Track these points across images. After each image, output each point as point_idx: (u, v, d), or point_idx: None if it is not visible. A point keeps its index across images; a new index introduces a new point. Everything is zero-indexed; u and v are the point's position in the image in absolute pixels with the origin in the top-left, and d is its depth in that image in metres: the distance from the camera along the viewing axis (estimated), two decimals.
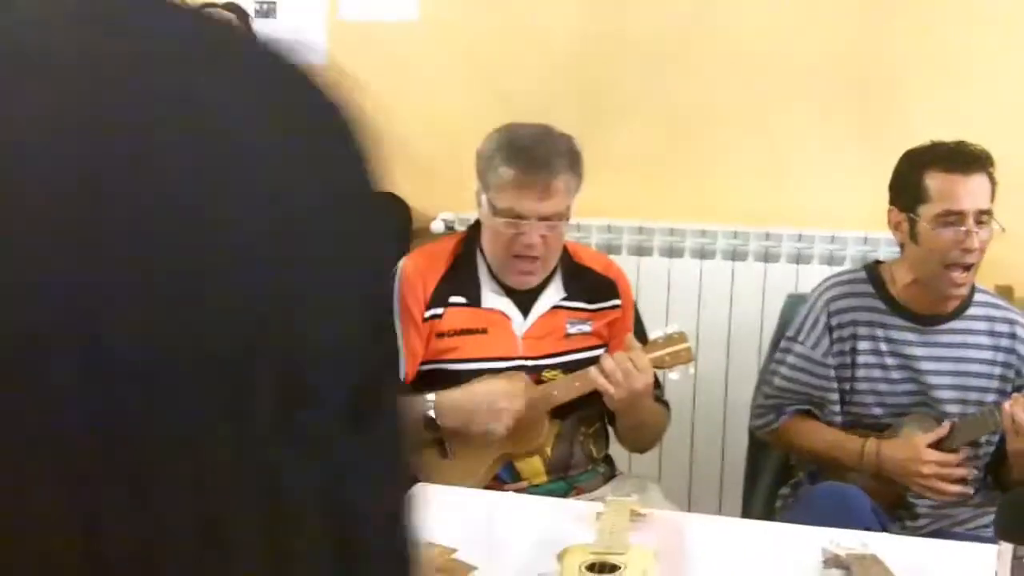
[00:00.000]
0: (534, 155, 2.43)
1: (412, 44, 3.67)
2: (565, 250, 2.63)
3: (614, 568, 1.82)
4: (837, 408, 2.60)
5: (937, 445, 2.49)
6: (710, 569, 1.98)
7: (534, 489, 2.53)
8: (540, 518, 2.18)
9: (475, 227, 2.61)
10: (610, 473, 2.70)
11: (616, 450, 2.76)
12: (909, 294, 2.57)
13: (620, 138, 3.52)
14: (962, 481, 2.50)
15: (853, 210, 3.28)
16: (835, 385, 2.60)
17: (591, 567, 1.82)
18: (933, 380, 2.56)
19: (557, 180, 2.44)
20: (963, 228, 2.44)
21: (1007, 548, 1.91)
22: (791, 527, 2.22)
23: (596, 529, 1.99)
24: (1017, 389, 2.54)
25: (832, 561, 1.96)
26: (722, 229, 3.42)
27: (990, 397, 2.54)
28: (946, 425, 2.50)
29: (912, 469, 2.48)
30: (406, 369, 2.54)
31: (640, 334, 2.56)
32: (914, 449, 2.49)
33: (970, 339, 2.57)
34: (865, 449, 2.52)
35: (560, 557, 1.87)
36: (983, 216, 2.45)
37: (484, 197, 2.50)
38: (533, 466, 2.55)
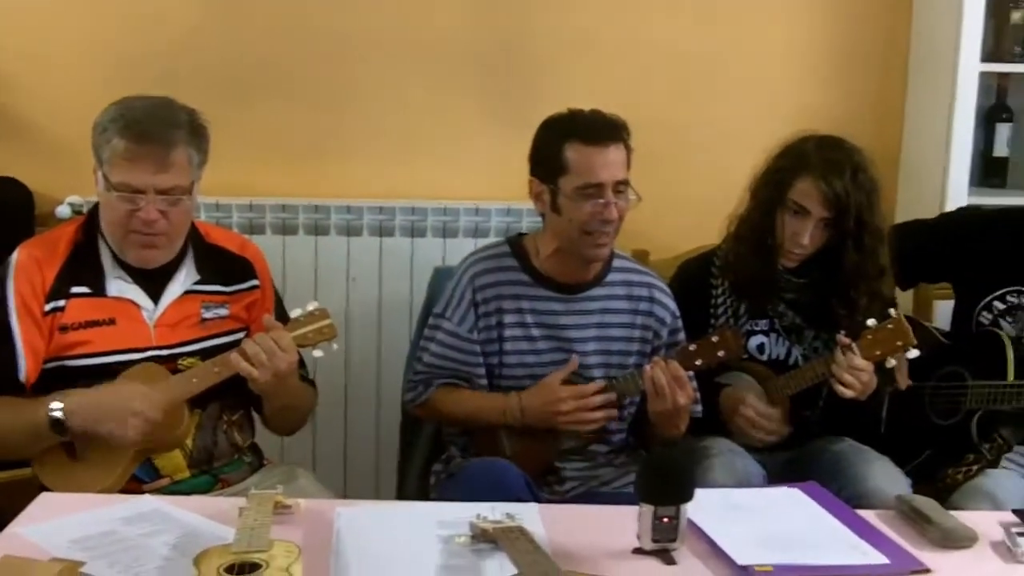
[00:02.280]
0: (148, 126, 2.30)
1: (33, 21, 3.38)
2: (196, 230, 2.50)
3: (255, 567, 1.72)
4: (484, 382, 2.61)
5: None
6: (360, 557, 1.91)
7: (176, 486, 2.40)
8: (180, 518, 2.04)
9: (96, 210, 2.43)
10: (257, 463, 2.59)
11: (267, 438, 2.65)
12: (552, 264, 2.60)
13: (260, 115, 3.42)
14: (604, 408, 2.55)
15: (497, 182, 3.31)
16: (481, 360, 2.60)
17: (230, 569, 1.71)
18: (579, 347, 2.60)
19: (174, 152, 2.32)
20: (602, 200, 2.48)
21: (648, 509, 1.94)
22: (442, 505, 2.19)
23: (237, 527, 1.88)
24: (656, 350, 2.62)
25: (480, 536, 1.94)
26: (368, 205, 3.38)
27: (632, 359, 2.62)
28: (575, 359, 2.55)
29: (551, 409, 2.52)
30: (27, 368, 2.33)
31: (281, 314, 2.46)
32: (549, 389, 2.53)
33: (611, 304, 2.63)
34: (507, 404, 2.55)
35: (196, 562, 1.74)
36: (620, 186, 2.50)
37: (100, 173, 2.34)
38: (174, 461, 2.41)
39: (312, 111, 3.44)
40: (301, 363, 2.45)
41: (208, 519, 2.03)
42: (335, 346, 2.40)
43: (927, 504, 2.17)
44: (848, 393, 2.54)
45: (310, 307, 2.40)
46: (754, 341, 2.75)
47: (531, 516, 2.05)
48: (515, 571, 1.76)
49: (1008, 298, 2.83)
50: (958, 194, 3.27)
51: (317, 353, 2.40)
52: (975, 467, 2.72)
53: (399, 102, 3.44)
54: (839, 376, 2.53)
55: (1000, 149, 3.44)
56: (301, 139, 3.45)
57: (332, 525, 2.03)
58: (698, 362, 2.49)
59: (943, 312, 3.14)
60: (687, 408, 2.49)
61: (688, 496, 1.95)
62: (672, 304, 2.68)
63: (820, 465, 2.62)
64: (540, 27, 3.42)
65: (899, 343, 2.51)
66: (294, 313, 2.39)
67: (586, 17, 3.43)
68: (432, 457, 2.76)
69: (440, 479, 2.63)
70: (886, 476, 2.54)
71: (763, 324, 2.76)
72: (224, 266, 2.51)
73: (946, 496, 2.62)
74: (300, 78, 3.43)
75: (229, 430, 2.51)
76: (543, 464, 2.57)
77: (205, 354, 2.42)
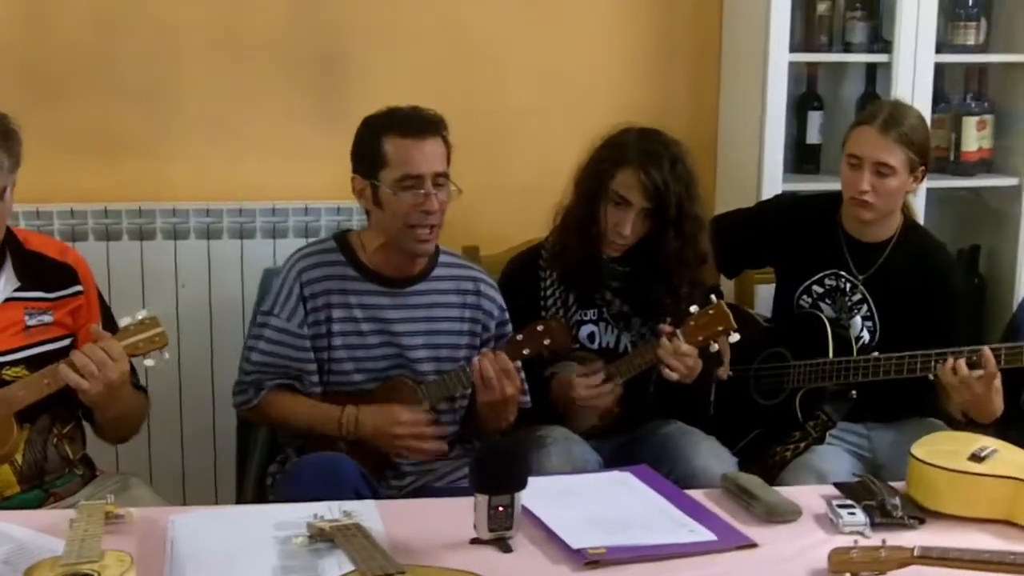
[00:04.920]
0: None
1: None
2: (14, 237, 2.43)
3: None
4: (316, 379, 2.60)
5: (417, 402, 2.57)
6: (195, 563, 1.89)
7: (6, 502, 2.32)
8: (9, 533, 1.98)
9: None
10: (90, 475, 2.53)
11: (100, 448, 2.59)
12: (379, 259, 2.62)
13: (77, 114, 3.32)
14: (440, 438, 2.59)
15: (324, 181, 3.29)
16: (312, 355, 2.59)
17: None
18: (407, 341, 2.62)
19: None
20: (422, 191, 2.51)
21: (483, 499, 1.98)
22: (279, 507, 2.18)
23: (67, 539, 1.84)
24: (485, 343, 2.66)
25: (318, 536, 1.94)
26: (194, 207, 3.32)
27: (462, 353, 2.64)
28: (410, 385, 2.58)
29: (387, 432, 2.54)
30: None
31: (109, 322, 2.41)
32: (389, 413, 2.54)
33: (439, 299, 2.65)
34: (344, 417, 2.54)
35: None
36: (440, 179, 2.53)
37: None
38: (3, 477, 2.34)
39: (133, 110, 3.34)
40: (132, 370, 2.41)
41: (39, 532, 1.99)
42: (166, 355, 2.36)
43: (752, 481, 2.26)
44: (674, 377, 2.61)
45: (140, 315, 2.35)
46: (584, 330, 2.81)
47: (369, 513, 2.07)
48: (353, 568, 1.77)
49: (826, 281, 2.95)
50: (773, 181, 3.38)
51: (148, 362, 2.35)
52: (801, 444, 2.83)
53: (223, 101, 3.39)
54: (665, 361, 2.61)
55: (812, 136, 3.57)
56: (122, 139, 3.35)
57: (166, 533, 2.00)
58: (526, 351, 2.54)
59: (765, 297, 3.25)
60: (515, 399, 2.54)
61: (522, 484, 1.99)
62: (499, 298, 2.71)
63: (651, 448, 2.70)
64: (361, 23, 3.41)
65: (720, 328, 2.60)
66: (123, 322, 2.34)
67: (409, 13, 3.43)
68: (269, 459, 2.74)
69: (276, 480, 2.61)
70: (712, 455, 2.63)
71: (592, 314, 2.82)
72: (45, 272, 2.44)
73: (775, 473, 2.72)
74: (119, 74, 3.32)
75: (60, 443, 2.44)
76: (381, 457, 2.57)
77: (30, 362, 2.35)
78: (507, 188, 3.38)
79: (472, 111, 3.16)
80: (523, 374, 2.60)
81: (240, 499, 2.79)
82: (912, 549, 1.89)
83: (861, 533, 2.04)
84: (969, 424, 2.67)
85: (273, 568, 1.88)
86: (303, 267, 2.61)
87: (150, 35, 3.33)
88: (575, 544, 1.97)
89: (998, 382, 2.56)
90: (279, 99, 3.42)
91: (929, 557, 1.88)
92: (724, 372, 2.80)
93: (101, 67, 3.32)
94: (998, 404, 2.59)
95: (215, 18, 3.36)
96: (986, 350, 2.54)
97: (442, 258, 2.69)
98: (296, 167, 3.40)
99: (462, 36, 3.48)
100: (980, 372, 2.54)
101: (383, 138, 2.52)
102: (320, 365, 2.60)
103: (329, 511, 2.00)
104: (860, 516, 2.10)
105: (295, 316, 2.58)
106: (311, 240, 2.75)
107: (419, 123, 2.53)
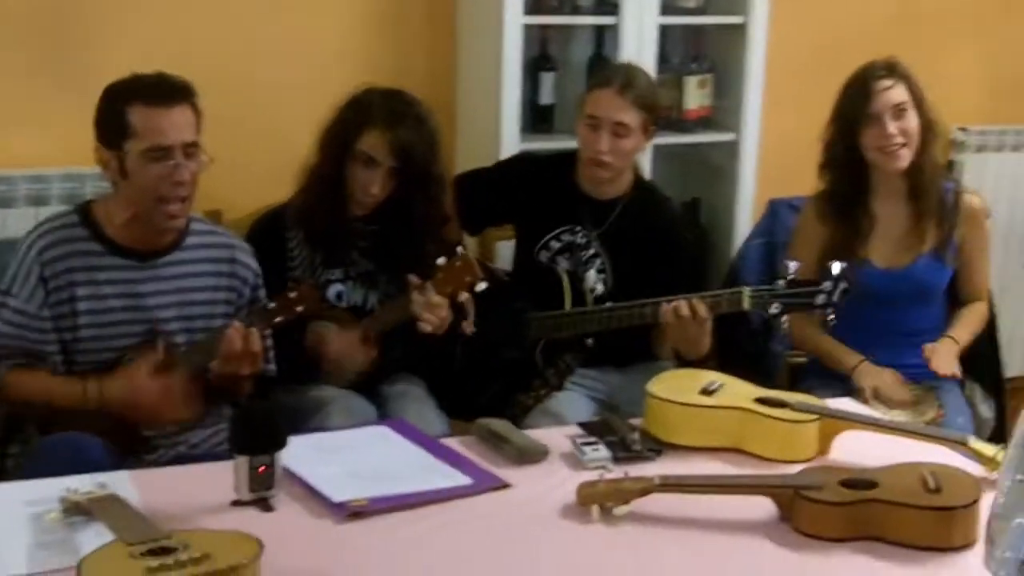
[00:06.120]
0: None
1: None
2: None
3: None
4: (59, 359, 2.50)
5: (169, 373, 2.50)
6: None
7: None
8: None
9: None
10: None
11: None
12: (127, 232, 2.53)
13: None
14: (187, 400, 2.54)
15: (56, 145, 3.16)
16: (54, 337, 2.49)
17: None
18: (161, 314, 2.55)
19: None
20: (172, 162, 2.43)
21: (243, 460, 1.98)
22: (29, 483, 2.11)
23: None
24: (239, 309, 2.63)
25: (73, 509, 1.90)
26: None
27: (216, 322, 2.59)
28: (160, 348, 2.50)
29: (133, 400, 2.46)
30: None
31: None
32: (132, 380, 2.47)
33: (192, 268, 2.60)
34: (87, 391, 2.46)
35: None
36: (190, 148, 2.46)
37: None
38: None
39: None
40: None
41: None
42: None
43: (503, 426, 2.35)
44: (428, 329, 2.67)
45: None
46: (332, 290, 2.84)
47: (123, 484, 2.03)
48: (113, 538, 1.75)
49: (563, 237, 3.07)
50: (511, 142, 3.46)
51: None
52: (542, 392, 2.96)
53: None
54: (418, 314, 2.66)
55: (546, 97, 3.66)
56: None
57: None
58: (278, 320, 2.50)
59: (505, 254, 3.35)
60: (249, 379, 2.51)
61: (281, 444, 2.01)
62: (254, 263, 2.68)
63: (380, 406, 2.80)
64: None
65: (467, 279, 2.67)
66: None
67: None
68: (7, 439, 2.63)
69: (19, 462, 2.51)
70: (419, 417, 2.69)
71: (338, 273, 2.85)
72: None
73: (519, 421, 2.83)
74: None
75: None
76: (130, 434, 2.51)
77: None
78: (248, 151, 3.34)
79: (214, 79, 3.07)
80: (270, 341, 2.60)
81: None
82: (653, 478, 2.02)
83: (605, 467, 2.15)
84: (680, 362, 2.87)
85: (27, 546, 1.83)
86: (43, 245, 2.49)
87: None
88: (337, 498, 2.01)
89: (709, 324, 2.75)
90: (5, 63, 3.24)
91: (669, 484, 2.03)
92: (468, 327, 2.88)
93: None
94: (706, 343, 2.78)
95: None
96: (695, 299, 2.72)
97: (194, 226, 2.62)
98: (24, 132, 3.24)
99: (202, 3, 3.39)
100: (697, 314, 2.71)
101: (128, 107, 2.42)
102: (65, 345, 2.50)
103: (81, 484, 1.96)
104: (603, 451, 2.23)
105: (34, 298, 2.47)
106: (49, 211, 2.61)
107: (166, 90, 2.45)
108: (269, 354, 2.60)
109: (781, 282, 2.65)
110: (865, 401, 2.83)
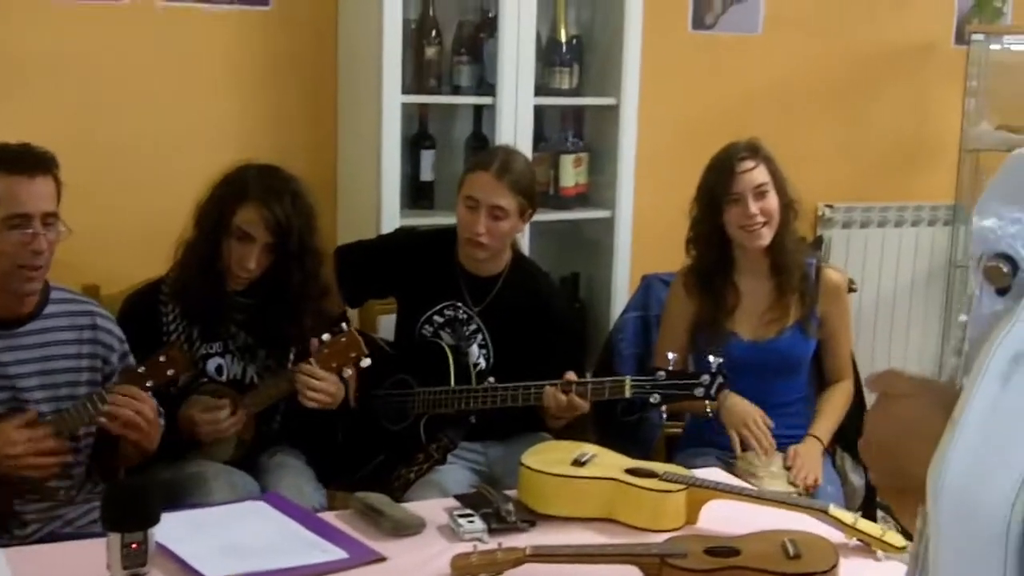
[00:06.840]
0: None
1: None
2: None
3: None
4: None
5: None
6: None
7: None
8: None
9: None
10: None
11: None
12: None
13: None
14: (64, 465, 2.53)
15: None
16: None
17: None
18: (23, 383, 2.53)
19: None
20: (30, 230, 2.47)
21: (115, 537, 1.97)
22: None
23: None
24: (108, 377, 2.63)
25: None
26: None
27: (81, 390, 2.59)
28: (33, 411, 2.49)
29: (2, 452, 2.42)
30: None
31: None
32: (2, 433, 2.43)
33: (53, 336, 2.59)
34: None
35: None
36: (48, 218, 2.50)
37: None
38: None
39: None
40: None
41: None
42: None
43: (379, 500, 2.38)
44: (314, 405, 2.70)
45: None
46: (212, 364, 2.84)
47: None
48: None
49: (446, 312, 3.11)
50: (391, 217, 3.49)
51: None
52: (424, 465, 2.98)
53: None
54: (302, 392, 2.69)
55: (426, 174, 3.73)
56: None
57: None
58: (149, 384, 2.52)
59: (387, 326, 3.38)
60: (156, 423, 2.53)
61: (154, 520, 2.00)
62: (116, 329, 2.68)
63: (260, 478, 2.80)
64: None
65: (352, 354, 2.71)
66: None
67: (17, 42, 3.31)
68: None
69: None
70: (295, 489, 2.71)
71: (217, 346, 2.86)
72: None
73: (400, 495, 2.85)
74: None
75: None
76: (1, 510, 2.48)
77: None
78: (126, 226, 3.33)
79: (95, 152, 3.10)
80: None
81: None
82: (525, 549, 2.07)
83: (479, 539, 2.19)
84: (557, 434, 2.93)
85: None
86: None
87: None
88: (210, 574, 2.01)
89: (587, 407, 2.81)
90: None
91: (540, 555, 2.07)
92: (352, 402, 2.91)
93: None
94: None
95: None
96: (577, 389, 2.77)
97: (54, 294, 2.63)
98: None
99: (77, 72, 3.39)
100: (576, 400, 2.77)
101: None
102: None
103: None
104: (478, 523, 2.27)
105: None
106: None
107: (28, 160, 2.49)
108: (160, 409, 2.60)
109: (662, 373, 2.69)
110: (737, 472, 2.91)
